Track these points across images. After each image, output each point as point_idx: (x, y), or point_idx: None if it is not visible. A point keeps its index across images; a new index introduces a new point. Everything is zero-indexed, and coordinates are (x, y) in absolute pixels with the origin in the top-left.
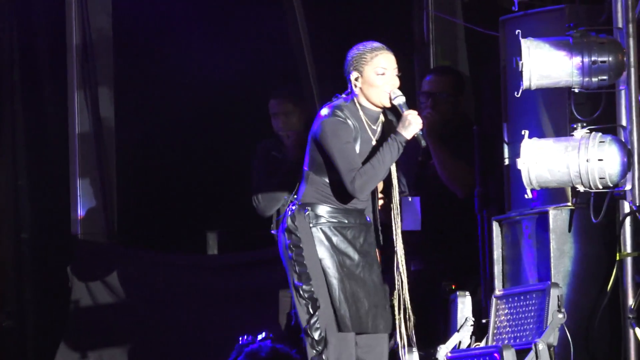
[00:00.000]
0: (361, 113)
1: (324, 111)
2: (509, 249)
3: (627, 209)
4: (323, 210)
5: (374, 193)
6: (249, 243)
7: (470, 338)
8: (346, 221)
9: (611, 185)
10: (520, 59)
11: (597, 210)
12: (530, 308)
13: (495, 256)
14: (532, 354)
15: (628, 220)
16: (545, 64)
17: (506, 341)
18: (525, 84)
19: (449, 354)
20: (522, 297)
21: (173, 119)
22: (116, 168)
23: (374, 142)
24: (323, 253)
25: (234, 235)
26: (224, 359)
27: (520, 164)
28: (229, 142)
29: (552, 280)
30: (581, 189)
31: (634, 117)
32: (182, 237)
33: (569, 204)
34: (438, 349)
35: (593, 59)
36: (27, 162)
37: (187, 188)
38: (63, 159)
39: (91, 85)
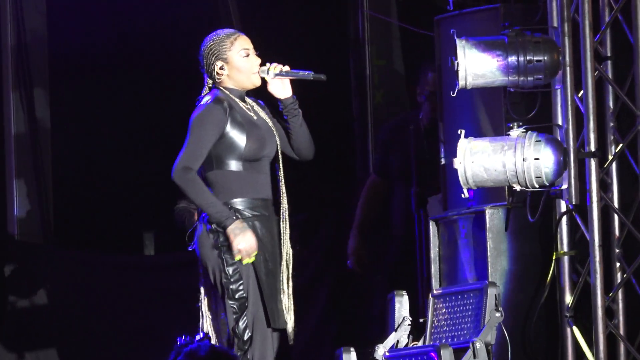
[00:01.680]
0: (232, 97)
1: (206, 98)
2: (446, 248)
3: (563, 208)
4: (241, 203)
5: (277, 184)
6: (185, 243)
7: (408, 337)
8: (266, 213)
9: (547, 184)
10: (456, 59)
11: (533, 209)
12: (467, 307)
13: (432, 255)
14: (469, 352)
15: (564, 219)
16: (480, 64)
17: (444, 340)
18: (460, 83)
19: (387, 353)
20: (459, 296)
21: (108, 118)
22: (52, 168)
23: (255, 119)
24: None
25: (171, 235)
26: None
27: (457, 163)
28: (166, 141)
29: (489, 280)
30: (518, 188)
31: (570, 116)
32: (119, 237)
33: (506, 203)
34: (376, 348)
35: (528, 58)
36: None
37: (124, 188)
38: None
39: (26, 85)
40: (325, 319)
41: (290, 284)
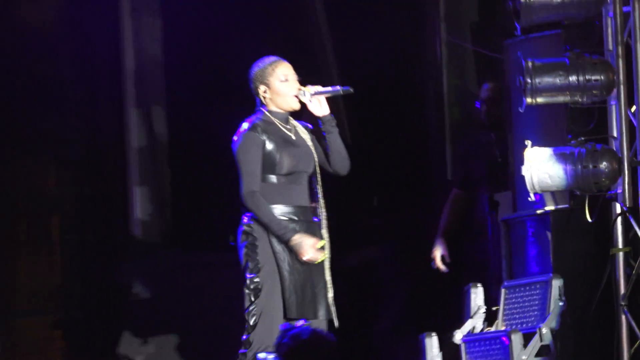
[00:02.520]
0: (272, 119)
1: (244, 125)
2: (515, 246)
3: (618, 210)
4: (277, 209)
5: (316, 193)
6: None
7: (483, 324)
8: (296, 218)
9: (604, 189)
10: (523, 78)
11: (592, 211)
12: (534, 297)
13: (503, 252)
14: (536, 337)
15: (619, 219)
16: (544, 83)
17: (514, 326)
18: (527, 100)
19: (464, 337)
20: (527, 288)
21: (221, 133)
22: (170, 177)
23: (293, 137)
24: (277, 247)
25: None
26: None
27: (525, 170)
28: None
29: (553, 273)
30: (578, 192)
31: (624, 129)
32: (226, 238)
33: (568, 205)
34: (454, 333)
35: (587, 77)
36: (90, 172)
37: (233, 194)
38: (121, 169)
39: (145, 103)
40: (407, 309)
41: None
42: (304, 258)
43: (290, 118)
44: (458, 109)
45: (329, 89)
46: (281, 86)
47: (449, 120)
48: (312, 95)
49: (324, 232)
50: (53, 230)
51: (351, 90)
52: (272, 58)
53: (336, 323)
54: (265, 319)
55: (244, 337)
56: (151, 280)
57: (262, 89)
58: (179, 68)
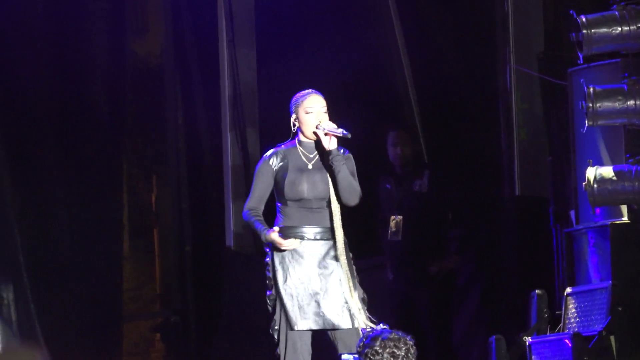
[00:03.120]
0: (298, 147)
1: (268, 152)
2: (577, 255)
3: None
4: (284, 229)
5: (331, 211)
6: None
7: (547, 327)
8: (309, 237)
9: None
10: (585, 103)
11: None
12: (595, 303)
13: (566, 261)
14: (597, 339)
15: None
16: (604, 106)
17: (576, 329)
18: (588, 122)
19: (531, 340)
20: (588, 294)
21: None
22: None
23: (310, 167)
24: (276, 264)
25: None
26: None
27: (586, 186)
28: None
29: (613, 281)
30: (635, 206)
31: None
32: None
33: (626, 219)
34: (521, 336)
35: None
36: (189, 188)
37: None
38: (218, 186)
39: (240, 126)
40: (479, 314)
41: (351, 292)
42: (282, 247)
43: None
44: (525, 130)
45: (339, 131)
46: (305, 117)
47: (517, 141)
48: (324, 131)
49: (339, 252)
50: (154, 243)
51: (349, 136)
52: (306, 91)
53: (359, 325)
54: (283, 331)
55: (276, 351)
56: (244, 288)
57: (293, 117)
58: (270, 94)
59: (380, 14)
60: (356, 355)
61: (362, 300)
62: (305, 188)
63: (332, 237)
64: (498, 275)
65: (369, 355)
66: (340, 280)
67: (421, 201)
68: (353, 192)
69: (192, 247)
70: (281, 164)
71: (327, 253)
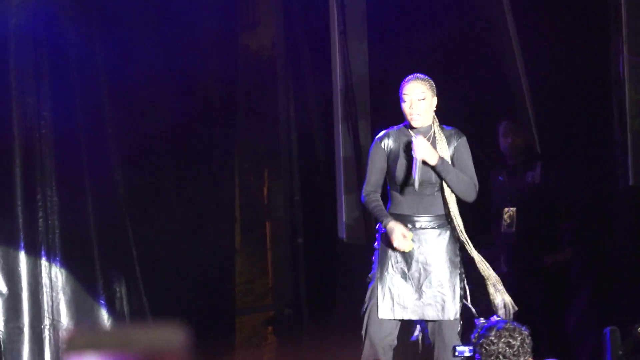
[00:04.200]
0: (410, 131)
1: (380, 133)
2: None
3: None
4: (391, 215)
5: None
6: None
7: None
8: (408, 226)
9: None
10: None
11: None
12: None
13: None
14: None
15: None
16: None
17: None
18: None
19: None
20: None
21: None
22: None
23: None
24: (382, 253)
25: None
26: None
27: None
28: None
29: None
30: None
31: None
32: None
33: None
34: (636, 327)
35: None
36: (300, 181)
37: None
38: (330, 178)
39: (352, 118)
40: (591, 305)
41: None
42: (394, 244)
43: (433, 131)
44: (638, 121)
45: (417, 167)
46: (402, 104)
47: (630, 132)
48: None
49: (440, 239)
50: (266, 236)
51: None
52: (410, 76)
53: (457, 316)
54: (370, 316)
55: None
56: (357, 280)
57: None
58: (382, 86)
59: (491, 2)
60: (470, 347)
61: (462, 290)
62: (403, 173)
63: (442, 225)
64: (611, 267)
65: (484, 345)
66: (442, 271)
67: (534, 193)
68: (466, 190)
69: (304, 239)
70: (393, 145)
71: (433, 242)
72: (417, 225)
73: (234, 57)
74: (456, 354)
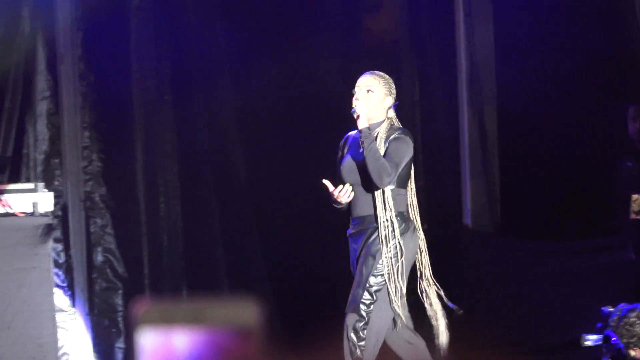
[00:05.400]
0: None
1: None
2: None
3: None
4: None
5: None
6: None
7: None
8: (359, 228)
9: None
10: None
11: None
12: None
13: None
14: None
15: None
16: None
17: None
18: None
19: None
20: None
21: (552, 128)
22: (499, 171)
23: (360, 149)
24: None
25: (591, 223)
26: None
27: None
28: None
29: None
30: None
31: None
32: (549, 227)
33: None
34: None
35: None
36: (424, 166)
37: (563, 186)
38: (455, 163)
39: (478, 101)
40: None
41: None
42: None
43: (381, 129)
44: None
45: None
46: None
47: None
48: (355, 112)
49: (383, 244)
50: None
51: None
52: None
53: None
54: (380, 302)
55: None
56: (483, 267)
57: None
58: (509, 70)
59: None
60: (600, 336)
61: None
62: (344, 172)
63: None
64: None
65: (626, 326)
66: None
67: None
68: (376, 174)
69: (429, 225)
70: (345, 147)
71: (367, 240)
72: (356, 228)
73: (357, 40)
74: (586, 342)
